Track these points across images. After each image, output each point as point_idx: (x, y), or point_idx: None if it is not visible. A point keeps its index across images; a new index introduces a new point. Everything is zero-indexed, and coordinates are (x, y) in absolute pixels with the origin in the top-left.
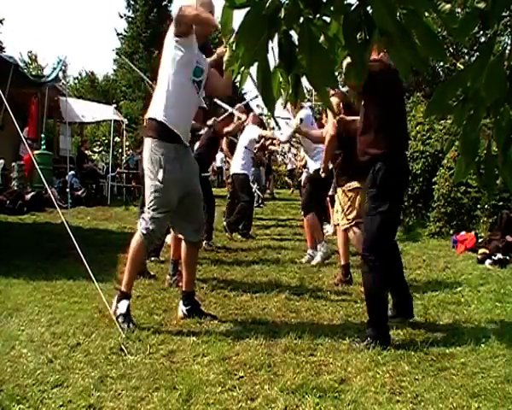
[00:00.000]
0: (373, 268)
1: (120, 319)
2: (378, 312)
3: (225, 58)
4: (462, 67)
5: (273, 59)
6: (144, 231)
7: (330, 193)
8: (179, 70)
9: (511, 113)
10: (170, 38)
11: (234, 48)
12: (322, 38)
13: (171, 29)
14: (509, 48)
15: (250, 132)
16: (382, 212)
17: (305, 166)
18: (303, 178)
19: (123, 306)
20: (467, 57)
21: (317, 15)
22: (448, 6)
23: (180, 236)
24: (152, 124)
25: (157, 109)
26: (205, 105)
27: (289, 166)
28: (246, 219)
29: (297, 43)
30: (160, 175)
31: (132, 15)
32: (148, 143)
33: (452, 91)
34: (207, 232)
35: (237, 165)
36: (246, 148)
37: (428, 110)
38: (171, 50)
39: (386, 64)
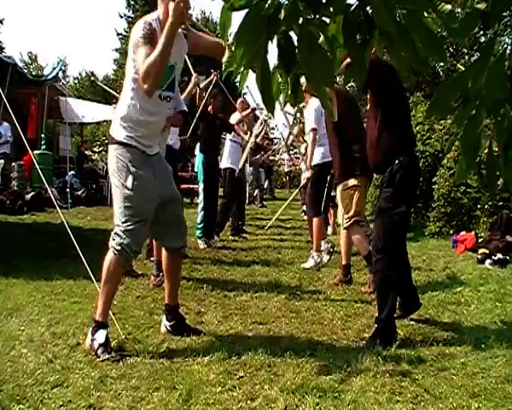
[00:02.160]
0: (387, 269)
1: (100, 351)
2: (390, 314)
3: (225, 59)
4: (462, 68)
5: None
6: (118, 247)
7: (332, 193)
8: (139, 84)
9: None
10: (131, 48)
11: (233, 48)
12: (321, 38)
13: (133, 37)
14: (509, 48)
15: (231, 121)
16: (399, 212)
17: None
18: (303, 177)
19: (101, 336)
20: (467, 57)
21: (317, 16)
22: (448, 6)
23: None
24: (113, 135)
25: (117, 127)
26: (185, 108)
27: (287, 168)
28: (234, 217)
29: (296, 43)
30: (130, 182)
31: (132, 15)
32: (113, 151)
33: (453, 92)
34: (208, 231)
35: (224, 159)
36: (232, 141)
37: (429, 111)
38: (131, 61)
39: (384, 62)
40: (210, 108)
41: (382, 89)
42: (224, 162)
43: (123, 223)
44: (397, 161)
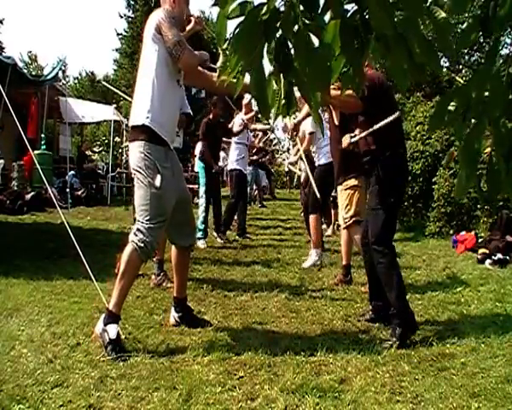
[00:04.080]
0: (384, 258)
1: (109, 348)
2: (401, 300)
3: (219, 64)
4: (461, 81)
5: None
6: (142, 245)
7: (334, 194)
8: (162, 68)
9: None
10: (151, 33)
11: (228, 54)
12: (317, 44)
13: (152, 24)
14: (511, 48)
15: (236, 123)
16: (387, 207)
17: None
18: (302, 176)
19: (112, 331)
20: (467, 57)
21: (314, 21)
22: (443, 14)
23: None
24: (138, 129)
25: (141, 114)
26: (190, 111)
27: (287, 168)
28: (237, 217)
29: (292, 49)
30: (158, 181)
31: (132, 15)
32: (139, 148)
33: (454, 104)
34: (206, 232)
35: (231, 161)
36: (237, 143)
37: (431, 125)
38: (152, 46)
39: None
40: (211, 115)
41: (378, 102)
42: (231, 164)
43: (147, 221)
44: (381, 160)
